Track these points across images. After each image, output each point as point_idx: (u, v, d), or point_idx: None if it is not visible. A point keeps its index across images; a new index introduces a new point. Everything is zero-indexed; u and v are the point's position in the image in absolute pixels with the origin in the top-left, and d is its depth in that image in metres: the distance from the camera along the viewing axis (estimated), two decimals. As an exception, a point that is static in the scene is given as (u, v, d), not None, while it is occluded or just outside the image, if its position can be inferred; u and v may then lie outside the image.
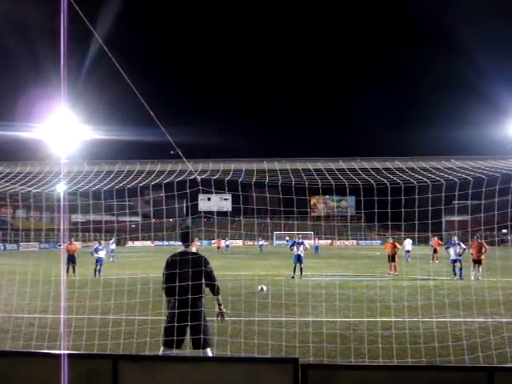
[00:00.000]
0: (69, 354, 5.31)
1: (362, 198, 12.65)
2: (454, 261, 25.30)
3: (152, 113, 9.50)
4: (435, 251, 38.57)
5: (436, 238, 40.37)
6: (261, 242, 70.05)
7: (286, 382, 4.85)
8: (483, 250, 24.22)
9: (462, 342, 10.04)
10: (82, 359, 5.51)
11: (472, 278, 23.72)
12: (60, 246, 39.59)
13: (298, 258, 25.78)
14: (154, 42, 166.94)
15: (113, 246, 43.42)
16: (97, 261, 26.97)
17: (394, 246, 28.11)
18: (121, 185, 12.92)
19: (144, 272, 24.37)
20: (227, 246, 62.67)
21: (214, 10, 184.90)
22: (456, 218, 51.39)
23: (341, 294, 17.04)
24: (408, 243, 40.90)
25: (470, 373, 5.03)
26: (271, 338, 9.88)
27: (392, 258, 27.72)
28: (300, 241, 26.72)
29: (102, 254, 27.33)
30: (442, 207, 11.91)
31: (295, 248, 26.23)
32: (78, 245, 28.70)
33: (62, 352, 5.44)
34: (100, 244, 28.12)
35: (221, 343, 9.61)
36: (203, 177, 12.70)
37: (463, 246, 25.40)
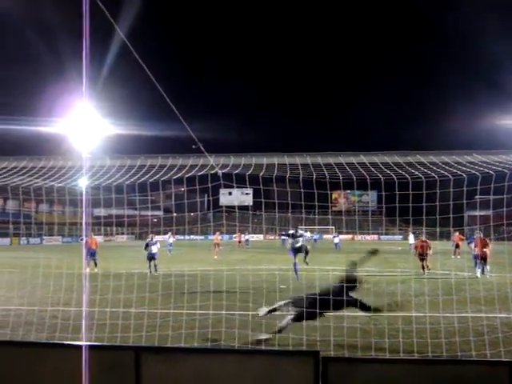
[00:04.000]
0: (92, 346, 5.40)
1: (384, 193, 12.62)
2: (476, 256, 24.98)
3: (174, 107, 9.55)
4: (457, 246, 38.24)
5: (458, 233, 40.01)
6: (283, 237, 69.72)
7: (307, 374, 4.88)
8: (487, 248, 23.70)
9: (483, 337, 9.99)
10: (105, 350, 5.60)
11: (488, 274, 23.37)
12: (82, 239, 39.74)
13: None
14: (176, 36, 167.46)
15: (171, 240, 43.96)
16: (149, 256, 24.90)
17: (424, 245, 26.64)
18: (143, 179, 13.05)
19: (166, 266, 24.56)
20: (247, 240, 62.62)
21: (236, 6, 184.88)
22: (478, 212, 50.73)
23: (361, 289, 16.94)
24: (411, 238, 44.52)
25: (490, 367, 5.02)
26: (292, 332, 9.91)
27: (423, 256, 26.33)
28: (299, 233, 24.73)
29: (154, 249, 25.01)
30: (464, 201, 11.79)
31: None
32: (98, 239, 28.51)
33: (84, 343, 5.52)
34: (152, 238, 25.71)
35: (242, 336, 9.67)
36: (224, 171, 12.76)
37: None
